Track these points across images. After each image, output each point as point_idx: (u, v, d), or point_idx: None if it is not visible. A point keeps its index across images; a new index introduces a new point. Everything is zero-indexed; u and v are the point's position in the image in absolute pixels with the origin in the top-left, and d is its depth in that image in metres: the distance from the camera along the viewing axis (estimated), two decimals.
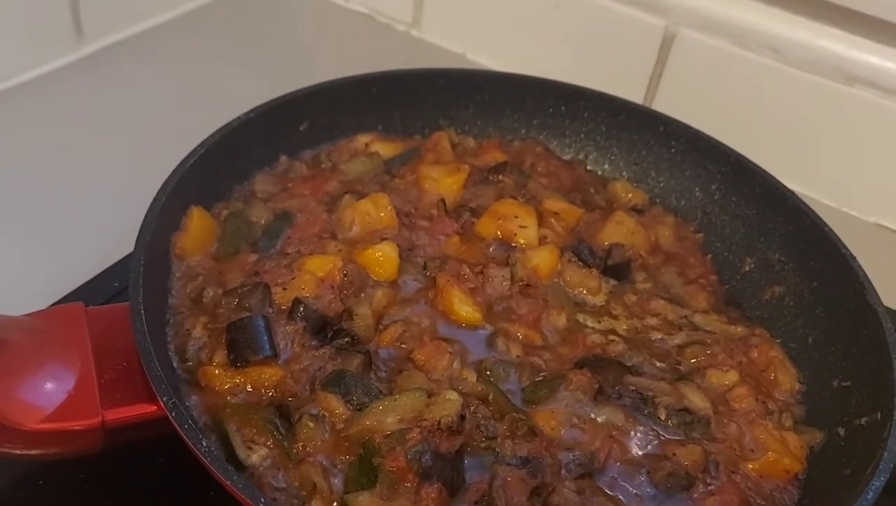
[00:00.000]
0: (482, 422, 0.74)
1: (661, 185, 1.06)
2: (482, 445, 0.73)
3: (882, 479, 0.68)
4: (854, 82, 1.11)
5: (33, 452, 0.72)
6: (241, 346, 0.76)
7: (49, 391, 0.70)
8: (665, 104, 1.22)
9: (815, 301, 0.89)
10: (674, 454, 0.75)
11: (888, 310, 0.83)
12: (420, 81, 1.07)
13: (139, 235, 0.79)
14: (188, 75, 1.31)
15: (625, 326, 0.88)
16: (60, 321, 0.75)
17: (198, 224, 0.87)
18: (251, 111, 0.95)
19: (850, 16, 1.09)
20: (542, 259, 0.91)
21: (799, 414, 0.83)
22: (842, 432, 0.78)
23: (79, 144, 1.16)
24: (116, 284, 0.93)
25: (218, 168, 0.92)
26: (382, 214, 0.92)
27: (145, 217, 0.80)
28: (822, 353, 0.86)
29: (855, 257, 0.87)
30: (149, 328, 0.71)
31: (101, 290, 0.92)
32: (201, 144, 0.89)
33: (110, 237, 0.93)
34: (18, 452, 0.71)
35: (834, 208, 1.19)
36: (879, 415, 0.75)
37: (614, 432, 0.76)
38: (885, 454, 0.69)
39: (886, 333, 0.79)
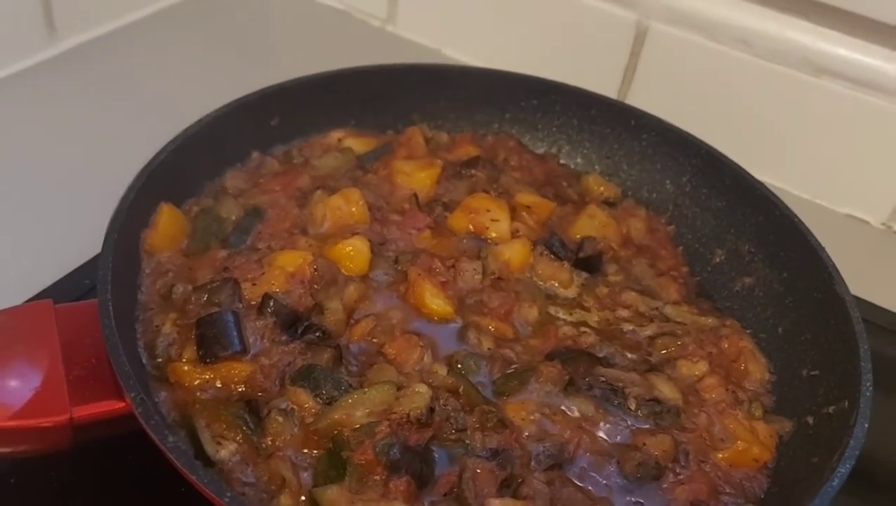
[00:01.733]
0: (452, 414, 0.74)
1: (633, 178, 1.06)
2: (452, 437, 0.73)
3: (847, 465, 0.69)
4: (822, 74, 1.12)
5: (1, 450, 0.71)
6: (210, 341, 0.76)
7: (16, 388, 0.70)
8: (639, 98, 1.23)
9: (784, 292, 0.90)
10: (644, 444, 0.76)
11: (861, 300, 0.84)
12: (392, 77, 1.07)
13: (108, 231, 0.79)
14: (161, 73, 1.31)
15: (596, 318, 0.89)
16: (28, 318, 0.75)
17: (167, 220, 0.87)
18: (222, 107, 0.95)
19: (819, 8, 1.10)
20: (514, 252, 0.91)
21: (768, 403, 0.84)
22: (810, 420, 0.79)
23: (50, 141, 1.15)
24: (87, 282, 0.92)
25: (188, 165, 0.92)
26: (354, 209, 0.92)
27: (114, 214, 0.80)
28: (791, 343, 0.87)
29: (823, 248, 0.87)
30: (117, 324, 0.71)
31: (72, 288, 0.92)
32: (172, 141, 0.89)
33: (82, 236, 0.92)
34: None
35: (806, 200, 1.20)
36: (847, 403, 0.75)
37: (584, 424, 0.77)
38: (851, 441, 0.70)
39: (853, 322, 0.80)
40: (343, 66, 1.05)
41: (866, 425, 0.72)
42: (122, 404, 0.71)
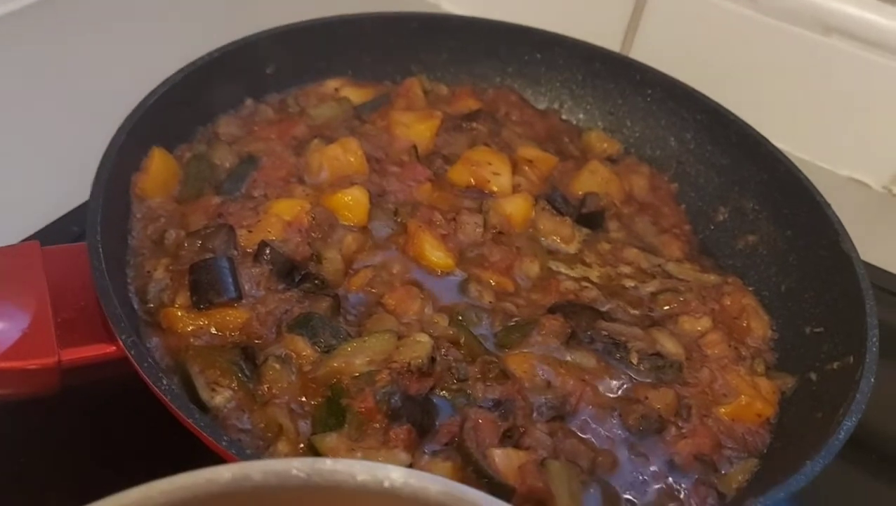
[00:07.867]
0: (453, 364, 0.73)
1: (636, 134, 1.04)
2: (453, 387, 0.71)
3: (854, 419, 0.68)
4: (831, 32, 1.10)
5: None
6: (204, 287, 0.74)
7: (3, 330, 0.68)
8: (642, 54, 1.19)
9: (788, 249, 0.89)
10: (646, 397, 0.75)
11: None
12: (391, 25, 1.04)
13: (97, 173, 0.76)
14: (151, 15, 1.27)
15: (598, 274, 0.87)
16: (14, 259, 0.73)
17: (159, 165, 0.84)
18: (215, 51, 0.92)
19: None
20: (516, 207, 0.90)
21: (771, 360, 0.83)
22: (814, 376, 0.78)
23: (37, 86, 1.12)
24: (76, 229, 0.90)
25: (180, 109, 0.89)
26: (352, 159, 0.89)
27: (103, 156, 0.78)
28: (794, 300, 0.86)
29: (829, 205, 0.86)
30: (108, 268, 0.69)
31: (60, 234, 0.90)
32: (163, 84, 0.87)
33: (69, 182, 0.89)
34: None
35: (807, 161, 1.18)
36: (852, 358, 0.75)
37: (586, 376, 0.75)
38: (857, 396, 0.69)
39: (860, 279, 0.79)
40: (337, 13, 1.02)
41: (872, 380, 0.71)
42: (111, 348, 0.69)
